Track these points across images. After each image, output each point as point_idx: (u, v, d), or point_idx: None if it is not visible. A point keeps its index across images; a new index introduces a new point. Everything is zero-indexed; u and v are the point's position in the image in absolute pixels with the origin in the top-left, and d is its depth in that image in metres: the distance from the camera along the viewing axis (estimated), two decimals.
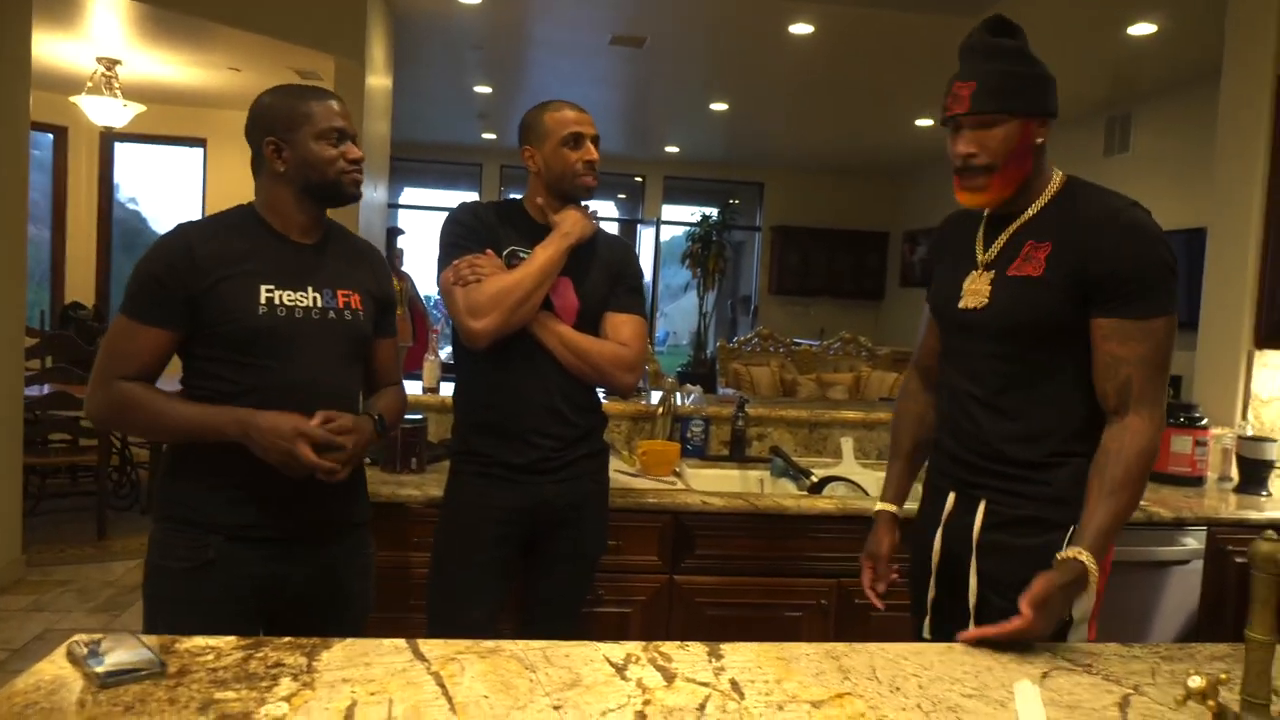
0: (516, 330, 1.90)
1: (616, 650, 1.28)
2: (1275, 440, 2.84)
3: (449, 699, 1.10)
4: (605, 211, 12.89)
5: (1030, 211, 1.59)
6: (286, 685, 1.11)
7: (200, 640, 1.23)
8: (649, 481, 2.57)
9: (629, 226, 12.50)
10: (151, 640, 1.20)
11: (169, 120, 7.41)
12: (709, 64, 6.94)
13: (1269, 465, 2.81)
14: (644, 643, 1.31)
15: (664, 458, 2.68)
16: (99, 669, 1.10)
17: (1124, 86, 6.61)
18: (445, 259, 1.95)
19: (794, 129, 9.26)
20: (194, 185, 7.81)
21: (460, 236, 1.95)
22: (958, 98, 1.55)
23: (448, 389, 2.96)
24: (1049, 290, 1.52)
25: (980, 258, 1.63)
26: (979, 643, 1.38)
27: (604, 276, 2.04)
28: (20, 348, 4.15)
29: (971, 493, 1.63)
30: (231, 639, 1.24)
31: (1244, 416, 3.32)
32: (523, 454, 1.95)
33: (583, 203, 2.05)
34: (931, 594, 1.71)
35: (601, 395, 2.15)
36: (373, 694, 1.10)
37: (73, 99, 5.91)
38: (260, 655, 1.19)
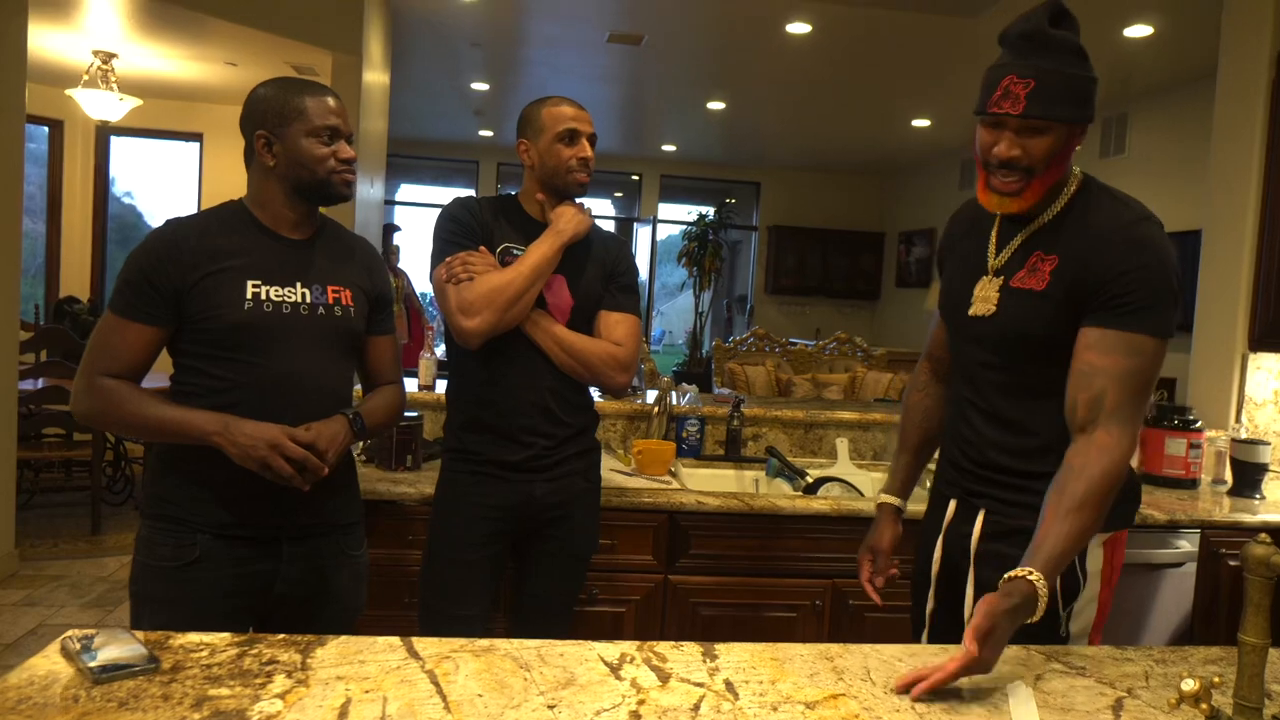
0: (509, 329, 1.90)
1: (611, 650, 1.28)
2: (1269, 443, 2.85)
3: (443, 697, 1.10)
4: (601, 209, 12.89)
5: (1045, 217, 1.52)
6: (281, 682, 1.11)
7: (194, 636, 1.23)
8: (644, 481, 2.57)
9: (625, 225, 12.49)
10: (145, 636, 1.20)
11: (165, 114, 7.39)
12: (706, 63, 6.94)
13: (1262, 468, 2.82)
14: (639, 642, 1.31)
15: (659, 457, 2.68)
16: (93, 664, 1.09)
17: (1120, 88, 6.62)
18: (438, 255, 1.94)
19: (791, 128, 9.26)
20: (190, 180, 7.79)
21: (454, 233, 1.94)
22: (1011, 95, 1.41)
23: (443, 386, 2.96)
24: (1050, 306, 1.47)
25: (991, 263, 1.58)
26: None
27: (598, 274, 2.03)
28: (15, 341, 4.14)
29: (972, 501, 1.61)
30: (226, 635, 1.24)
31: (1238, 419, 3.33)
32: (514, 452, 1.95)
33: (577, 200, 2.05)
34: (930, 606, 1.68)
35: (595, 394, 2.15)
36: (367, 692, 1.10)
37: (69, 92, 5.89)
38: (254, 652, 1.19)
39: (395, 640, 1.26)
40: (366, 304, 1.79)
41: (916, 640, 1.71)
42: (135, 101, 6.08)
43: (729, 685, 1.19)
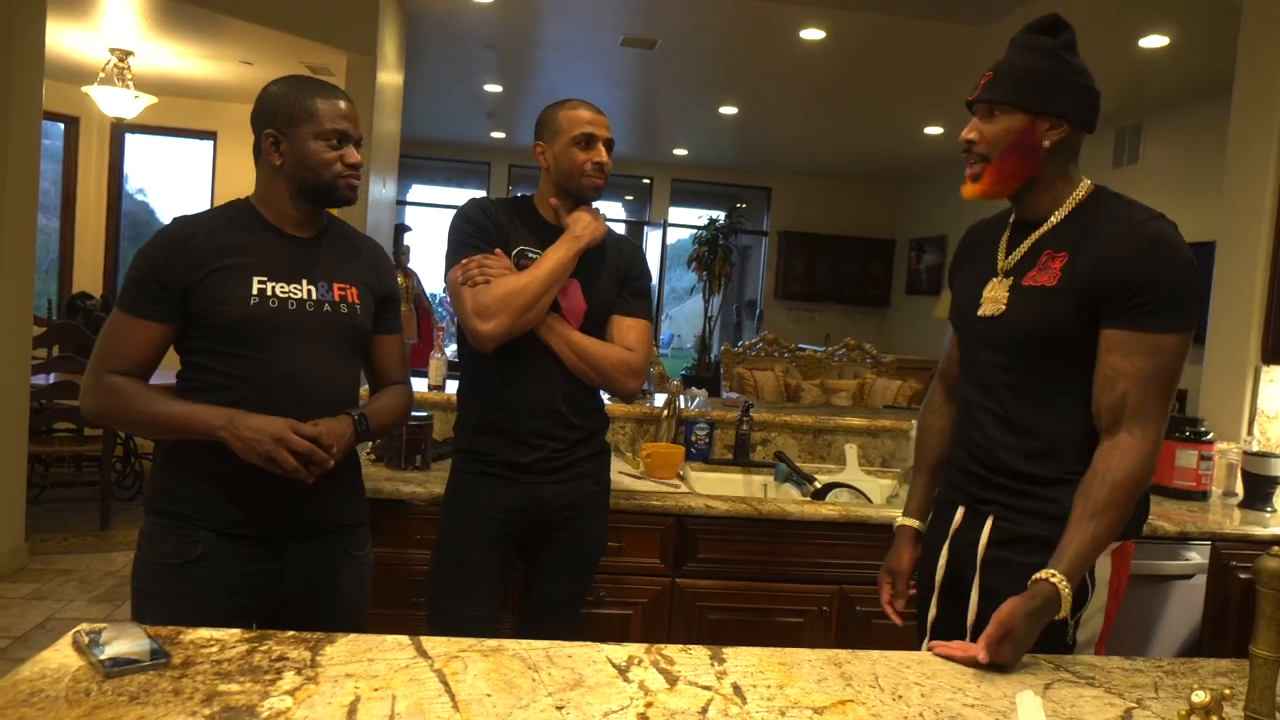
0: (524, 332, 1.90)
1: (619, 652, 1.28)
2: None
3: (452, 696, 1.11)
4: (612, 212, 12.90)
5: (1053, 220, 1.54)
6: (290, 679, 1.11)
7: (205, 632, 1.23)
8: (653, 484, 2.57)
9: (635, 228, 12.50)
10: (155, 631, 1.21)
11: (180, 112, 7.43)
12: (719, 67, 6.94)
13: (1274, 481, 2.81)
14: (646, 645, 1.31)
15: (668, 460, 2.68)
16: (103, 658, 1.10)
17: (1134, 98, 6.60)
18: (454, 257, 1.94)
19: (803, 134, 9.26)
20: (203, 178, 7.83)
21: (470, 235, 1.95)
22: (977, 84, 1.54)
23: (453, 387, 2.97)
24: (1062, 301, 1.48)
25: (1001, 264, 1.60)
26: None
27: (612, 279, 2.04)
28: (28, 337, 4.16)
29: (980, 508, 1.60)
30: (236, 631, 1.24)
31: (1250, 432, 3.32)
32: (525, 454, 1.95)
33: (592, 205, 2.05)
34: (933, 613, 1.68)
35: (605, 397, 2.15)
36: (376, 690, 1.11)
37: (84, 89, 5.92)
38: (264, 649, 1.20)
39: (404, 639, 1.26)
40: (373, 302, 1.79)
41: (918, 647, 1.70)
42: (151, 99, 6.11)
43: (737, 689, 1.19)
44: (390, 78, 5.59)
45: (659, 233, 11.91)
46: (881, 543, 2.38)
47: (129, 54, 5.89)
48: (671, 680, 1.20)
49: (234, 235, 1.65)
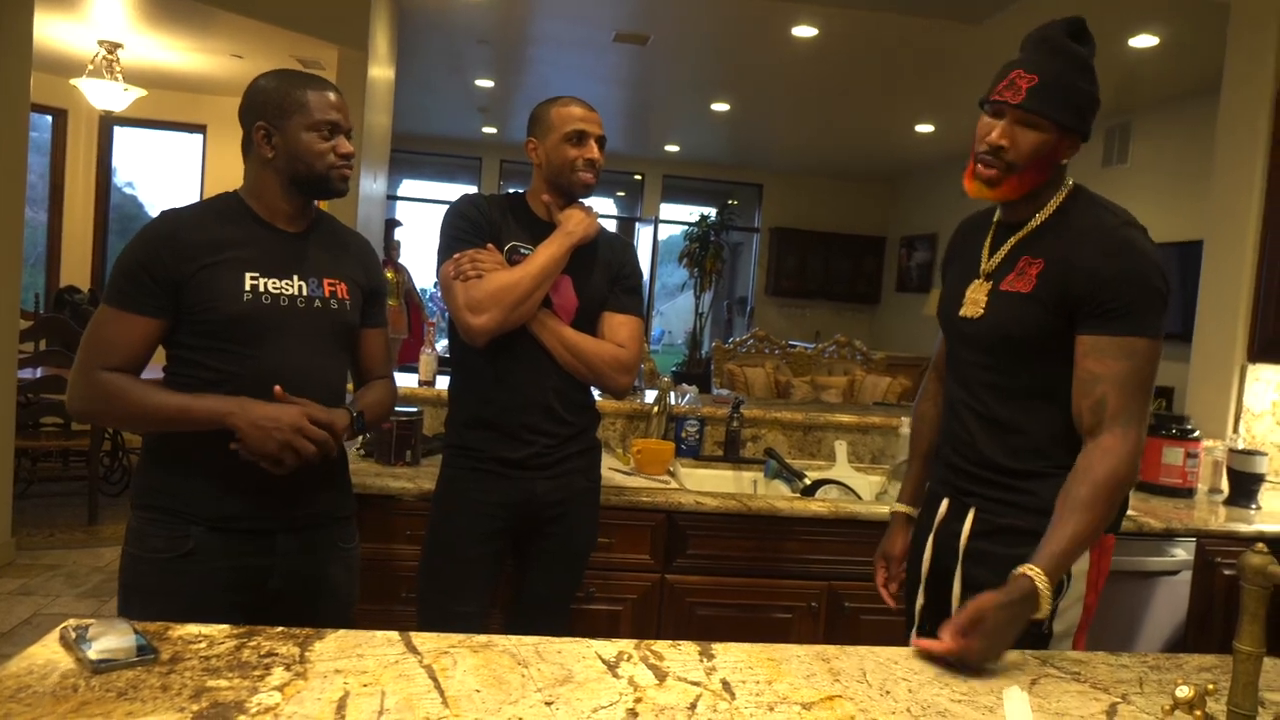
0: (515, 327, 1.90)
1: (608, 648, 1.28)
2: (1266, 454, 2.86)
3: (441, 692, 1.11)
4: (604, 209, 12.89)
5: (1033, 223, 1.56)
6: (279, 675, 1.11)
7: (193, 628, 1.23)
8: (643, 480, 2.57)
9: (627, 224, 12.50)
10: (144, 627, 1.20)
11: (169, 105, 7.39)
12: (711, 64, 6.94)
13: (1259, 478, 2.83)
14: (636, 640, 1.32)
15: (658, 457, 2.69)
16: (91, 654, 1.10)
17: (1124, 98, 6.63)
18: (446, 251, 1.94)
19: (794, 131, 9.27)
20: (193, 171, 7.79)
21: (462, 230, 1.95)
22: (1015, 86, 1.49)
23: (443, 382, 2.96)
24: (1037, 307, 1.51)
25: (983, 267, 1.63)
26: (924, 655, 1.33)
27: (604, 276, 2.04)
28: (15, 330, 4.14)
29: (963, 500, 1.63)
30: (224, 627, 1.24)
31: (1235, 429, 3.34)
32: (516, 449, 1.95)
33: (584, 201, 2.05)
34: (920, 602, 1.71)
35: (596, 393, 2.16)
36: (365, 685, 1.11)
37: (73, 82, 5.89)
38: (253, 644, 1.19)
39: (394, 635, 1.26)
40: (361, 298, 1.79)
41: (907, 635, 1.73)
42: (140, 92, 6.08)
43: (726, 685, 1.20)
44: (382, 72, 5.57)
45: (650, 229, 11.92)
46: (871, 539, 2.39)
47: (118, 46, 5.85)
48: (660, 676, 1.20)
49: (224, 229, 1.64)
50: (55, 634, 1.17)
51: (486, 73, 7.68)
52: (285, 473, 1.59)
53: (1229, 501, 2.87)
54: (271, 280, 1.64)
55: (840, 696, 1.20)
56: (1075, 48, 1.50)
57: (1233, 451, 2.91)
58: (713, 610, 2.41)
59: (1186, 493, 2.86)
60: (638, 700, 1.13)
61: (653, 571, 2.40)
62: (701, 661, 1.27)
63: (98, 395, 1.59)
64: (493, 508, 1.96)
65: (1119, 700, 1.25)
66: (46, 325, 5.29)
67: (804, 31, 5.68)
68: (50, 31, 5.58)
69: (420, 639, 1.26)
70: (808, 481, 2.77)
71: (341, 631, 1.26)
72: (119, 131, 7.64)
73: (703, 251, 11.02)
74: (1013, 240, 1.59)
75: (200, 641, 1.19)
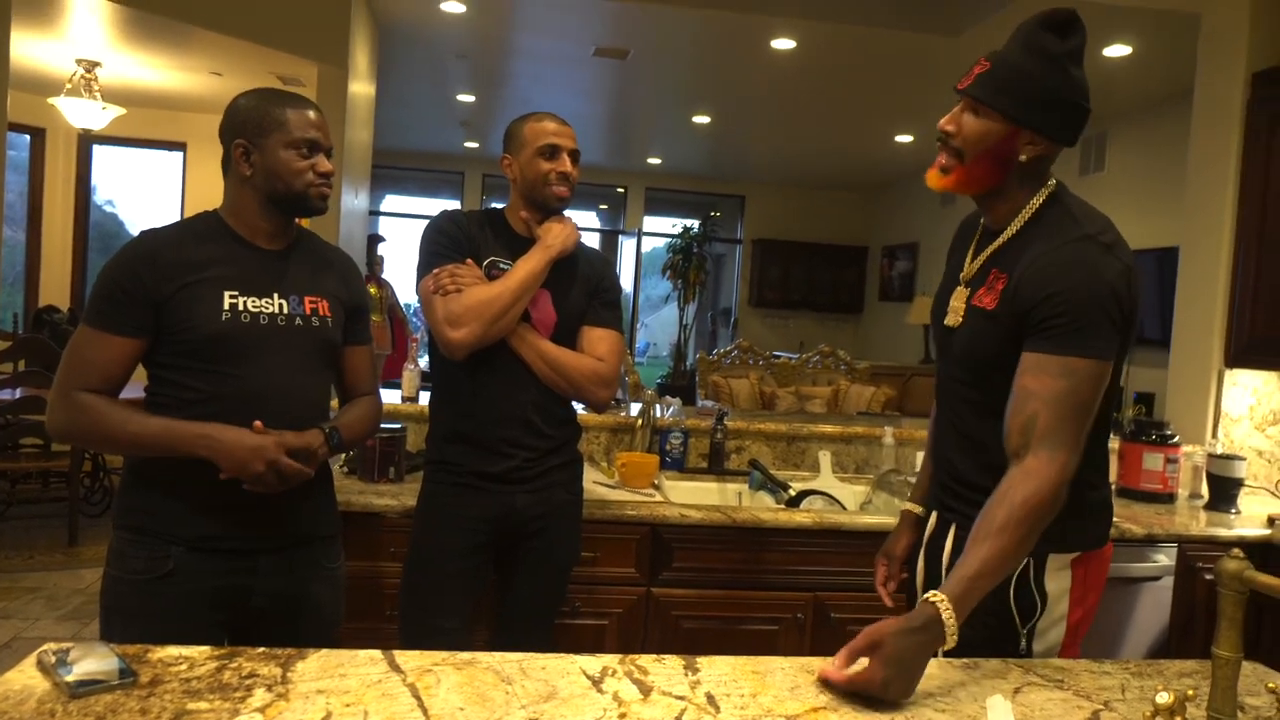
0: (495, 341, 1.90)
1: (593, 663, 1.28)
2: (1244, 459, 2.89)
3: (424, 710, 1.10)
4: (586, 222, 12.89)
5: (1008, 232, 1.50)
6: (260, 696, 1.10)
7: (173, 650, 1.22)
8: (627, 493, 2.57)
9: (610, 237, 12.51)
10: (123, 650, 1.19)
11: (148, 124, 7.35)
12: (692, 77, 6.97)
13: (1238, 483, 2.85)
14: (620, 655, 1.31)
15: (643, 470, 2.69)
16: (69, 678, 1.08)
17: (1099, 106, 6.66)
18: (425, 267, 1.95)
19: (775, 143, 9.31)
20: (173, 189, 7.75)
21: (441, 245, 1.96)
22: (970, 71, 1.46)
23: (427, 398, 2.95)
24: (996, 327, 1.46)
25: (963, 274, 1.58)
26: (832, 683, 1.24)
27: (582, 290, 2.05)
28: None
29: (946, 516, 1.61)
30: (205, 649, 1.23)
31: (1214, 434, 3.37)
32: (496, 463, 1.95)
33: (564, 214, 2.06)
34: None
35: (578, 407, 2.16)
36: (348, 705, 1.10)
37: (51, 100, 5.85)
38: (234, 666, 1.18)
39: (376, 653, 1.26)
40: (343, 314, 1.79)
41: None
42: (119, 110, 6.05)
43: (710, 698, 1.19)
44: (362, 88, 5.57)
45: (634, 241, 11.93)
46: (856, 549, 2.41)
47: (96, 65, 5.82)
48: (645, 691, 1.20)
49: (203, 248, 1.64)
50: (32, 658, 1.15)
51: (467, 87, 7.69)
52: (270, 491, 1.58)
53: (1209, 506, 2.89)
54: (251, 299, 1.63)
55: (825, 709, 1.20)
56: (1044, 38, 1.42)
57: (1212, 456, 2.94)
58: (698, 623, 2.41)
59: (1167, 498, 2.88)
60: (622, 716, 1.13)
61: (638, 585, 2.39)
62: (686, 675, 1.26)
63: (78, 417, 1.58)
64: (473, 522, 1.96)
65: (1101, 707, 1.26)
66: (25, 346, 5.23)
67: (783, 44, 5.72)
68: (27, 50, 5.55)
69: (403, 657, 1.25)
70: (792, 493, 2.78)
71: (324, 651, 1.25)
72: (98, 150, 7.60)
73: (686, 263, 11.05)
74: (990, 249, 1.53)
75: (181, 663, 1.18)
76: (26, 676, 1.11)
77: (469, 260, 1.95)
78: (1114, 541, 2.45)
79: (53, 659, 1.13)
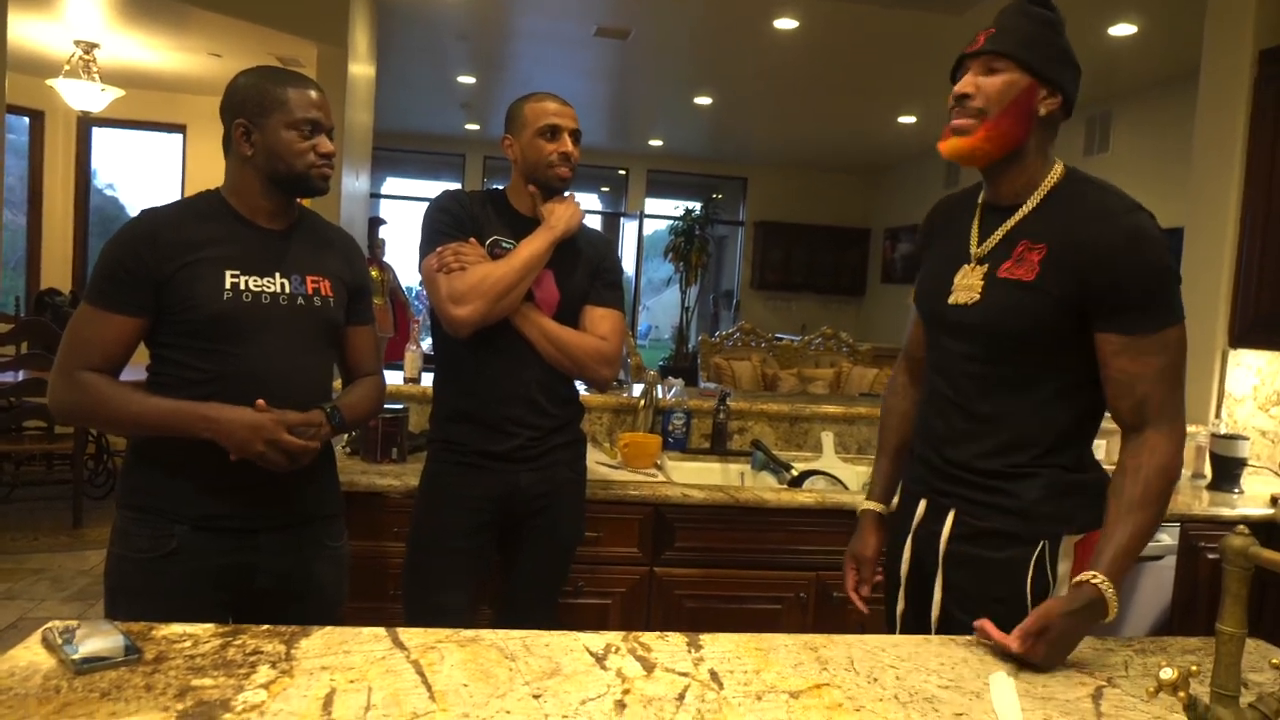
0: (498, 320, 1.90)
1: (596, 640, 1.28)
2: (1248, 439, 2.89)
3: (428, 687, 1.10)
4: (588, 204, 12.82)
5: (1027, 206, 1.48)
6: (265, 673, 1.11)
7: (178, 628, 1.22)
8: (630, 474, 2.57)
9: (612, 219, 12.49)
10: (128, 627, 1.20)
11: (148, 105, 7.33)
12: (693, 57, 6.94)
13: (1241, 463, 2.85)
14: (624, 633, 1.31)
15: (645, 450, 2.69)
16: (74, 656, 1.09)
17: (1104, 86, 6.66)
18: (428, 245, 1.94)
19: (778, 124, 9.28)
20: (173, 171, 7.74)
21: (444, 224, 1.95)
22: (974, 41, 1.48)
23: (429, 379, 2.95)
24: (1043, 298, 1.42)
25: (973, 251, 1.53)
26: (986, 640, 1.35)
27: (585, 271, 2.04)
28: None
29: (941, 500, 1.57)
30: (209, 626, 1.23)
31: (1218, 415, 3.37)
32: (499, 442, 1.95)
33: (568, 194, 2.05)
34: (900, 606, 1.65)
35: (581, 387, 2.16)
36: (352, 682, 1.10)
37: (50, 82, 5.83)
38: (238, 643, 1.19)
39: (380, 631, 1.26)
40: (345, 294, 1.78)
41: None
42: (117, 92, 6.02)
43: (714, 675, 1.20)
44: (362, 69, 5.54)
45: (635, 224, 11.91)
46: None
47: (94, 46, 5.79)
48: (649, 667, 1.21)
49: (204, 227, 1.63)
50: (37, 636, 1.16)
51: (468, 69, 7.65)
52: (279, 469, 1.58)
53: (1212, 486, 2.89)
54: (252, 278, 1.63)
55: (828, 685, 1.20)
56: (1035, 8, 1.49)
57: (1215, 436, 2.94)
58: (701, 602, 2.42)
59: None
60: (626, 692, 1.13)
61: (641, 565, 2.40)
62: (689, 652, 1.27)
63: (79, 396, 1.58)
64: (477, 501, 1.96)
65: (1104, 684, 1.26)
66: (27, 328, 5.24)
67: (785, 24, 5.68)
68: (25, 32, 5.52)
69: (407, 634, 1.25)
70: (795, 473, 2.78)
71: (328, 628, 1.25)
72: (98, 132, 7.57)
73: (688, 245, 11.03)
74: (1008, 224, 1.50)
75: (185, 641, 1.18)
76: (32, 653, 1.12)
77: (472, 239, 1.94)
78: None
79: (58, 637, 1.13)
